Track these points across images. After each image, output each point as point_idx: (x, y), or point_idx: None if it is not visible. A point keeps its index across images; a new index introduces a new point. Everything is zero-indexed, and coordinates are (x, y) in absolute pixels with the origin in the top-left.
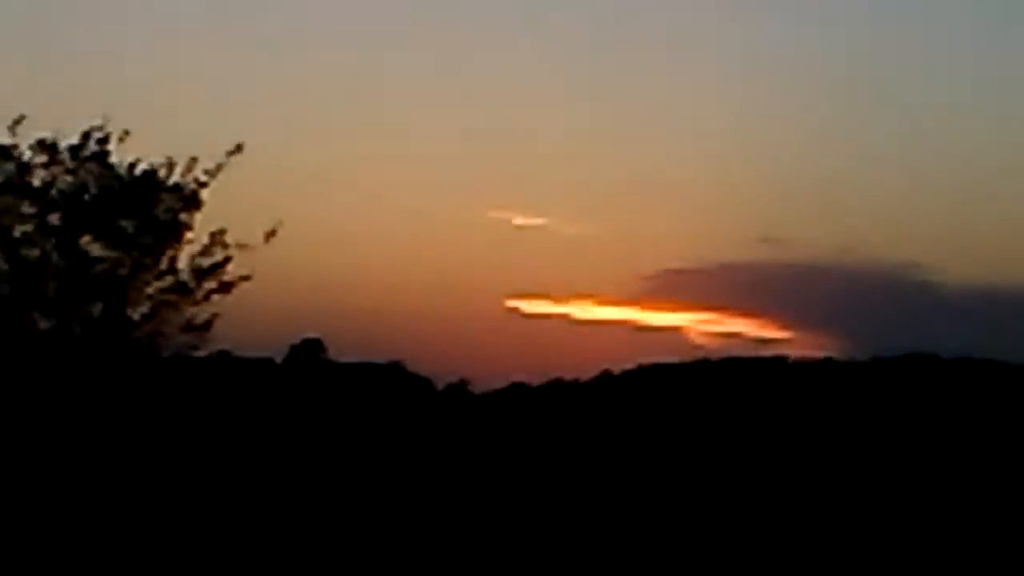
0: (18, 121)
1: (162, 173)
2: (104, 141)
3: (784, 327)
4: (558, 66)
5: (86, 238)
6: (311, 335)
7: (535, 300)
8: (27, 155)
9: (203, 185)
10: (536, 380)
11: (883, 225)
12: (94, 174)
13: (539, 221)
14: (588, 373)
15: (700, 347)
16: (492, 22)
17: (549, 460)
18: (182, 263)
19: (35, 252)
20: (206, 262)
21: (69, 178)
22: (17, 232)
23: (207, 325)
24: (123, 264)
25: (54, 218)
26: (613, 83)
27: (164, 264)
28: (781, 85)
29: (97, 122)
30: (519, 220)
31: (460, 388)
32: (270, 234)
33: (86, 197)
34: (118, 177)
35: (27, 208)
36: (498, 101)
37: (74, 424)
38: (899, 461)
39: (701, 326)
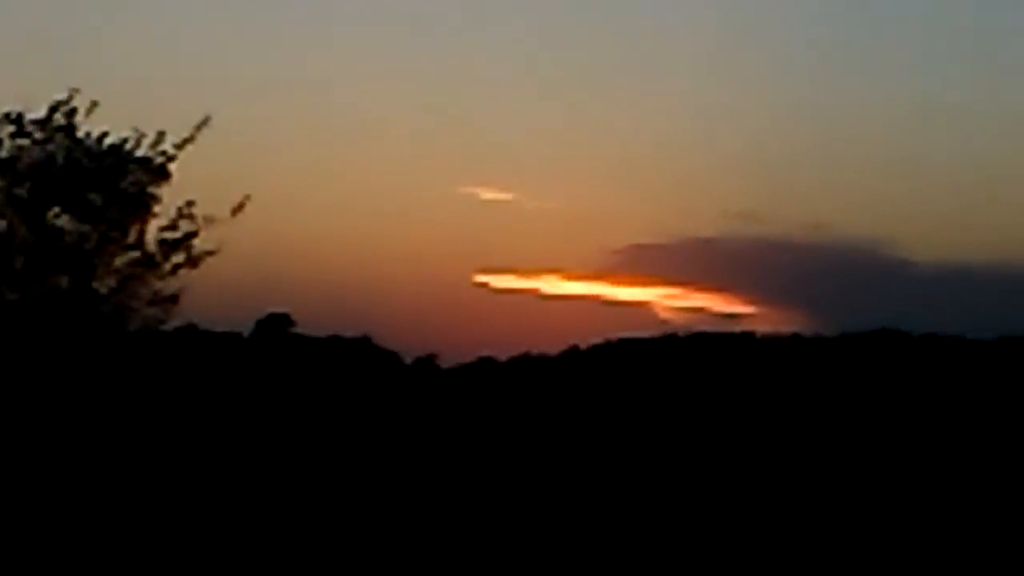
0: None
1: (130, 146)
2: (72, 114)
3: (752, 302)
4: (525, 42)
5: (53, 211)
6: (279, 310)
7: (503, 275)
8: None
9: (171, 159)
10: (504, 355)
11: (853, 202)
12: (61, 146)
13: (507, 196)
14: (556, 348)
15: (667, 322)
16: (467, 4)
17: (517, 434)
18: (150, 236)
19: (2, 224)
20: (173, 235)
21: (37, 150)
22: None
23: (174, 298)
24: (90, 237)
25: (21, 191)
26: (582, 59)
27: (132, 237)
28: (753, 62)
29: (64, 95)
30: (487, 195)
31: (428, 362)
32: (237, 208)
33: (53, 170)
34: (86, 150)
35: None
36: (465, 78)
37: (42, 397)
38: (866, 436)
39: (668, 301)
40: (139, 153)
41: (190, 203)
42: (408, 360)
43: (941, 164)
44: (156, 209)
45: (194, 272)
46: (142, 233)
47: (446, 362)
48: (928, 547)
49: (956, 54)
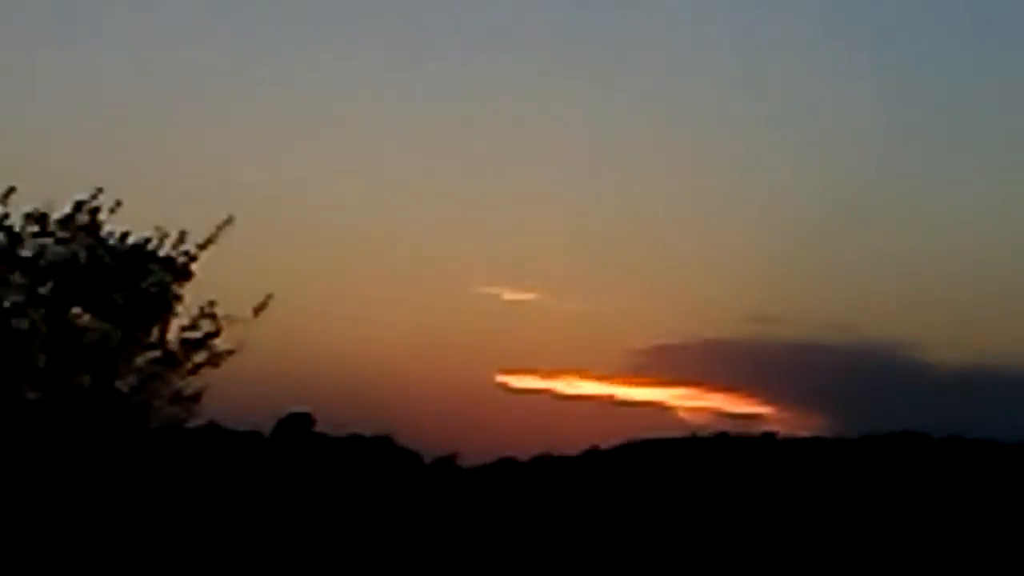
0: (9, 192)
1: (153, 245)
2: (95, 212)
3: (773, 404)
4: (550, 141)
5: (76, 309)
6: (300, 409)
7: (524, 375)
8: (18, 225)
9: (193, 258)
10: (524, 455)
11: (876, 304)
12: (84, 245)
13: (529, 296)
14: (576, 448)
15: (688, 423)
16: (483, 97)
17: (537, 535)
18: (171, 335)
19: (24, 323)
20: (195, 335)
21: (60, 249)
22: (7, 302)
23: (196, 397)
24: (112, 336)
25: (44, 289)
26: (605, 159)
27: (153, 336)
28: (773, 164)
29: (88, 193)
30: (509, 295)
31: (448, 462)
32: (259, 308)
33: (76, 268)
34: (109, 249)
35: (17, 278)
36: (489, 176)
37: (63, 494)
38: (888, 539)
39: (689, 402)
40: (161, 252)
41: (212, 303)
42: (429, 460)
43: (965, 267)
44: (178, 309)
45: (216, 371)
46: (164, 332)
47: (467, 462)
48: None
49: (980, 158)
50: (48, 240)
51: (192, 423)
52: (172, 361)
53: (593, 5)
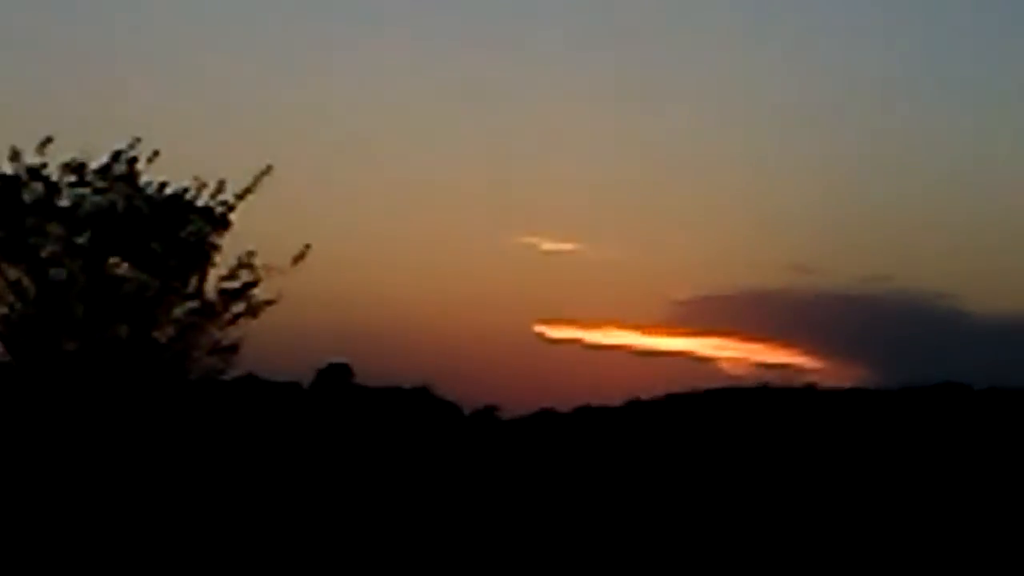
0: (46, 141)
1: (191, 195)
2: (133, 162)
3: (814, 356)
4: (589, 92)
5: (113, 259)
6: (338, 359)
7: (564, 326)
8: (55, 175)
9: (232, 208)
10: (563, 406)
11: (915, 254)
12: (122, 195)
13: (568, 246)
14: (616, 400)
15: (729, 375)
16: (522, 49)
17: (579, 487)
18: (210, 286)
19: (62, 273)
20: (233, 285)
21: (97, 199)
22: (44, 253)
23: (234, 348)
24: (150, 286)
25: (81, 239)
26: (644, 108)
27: (192, 287)
28: (814, 115)
29: (126, 143)
30: (547, 245)
31: (488, 413)
32: (298, 257)
33: (114, 218)
34: (147, 198)
35: (55, 228)
36: (527, 125)
37: (102, 446)
38: (929, 491)
39: (730, 353)
40: (200, 202)
41: (251, 253)
42: (468, 411)
43: (1004, 216)
44: (216, 259)
45: (254, 322)
46: (202, 283)
47: (506, 413)
48: None
49: (1021, 109)
50: (86, 190)
51: (230, 374)
52: (210, 311)
53: None
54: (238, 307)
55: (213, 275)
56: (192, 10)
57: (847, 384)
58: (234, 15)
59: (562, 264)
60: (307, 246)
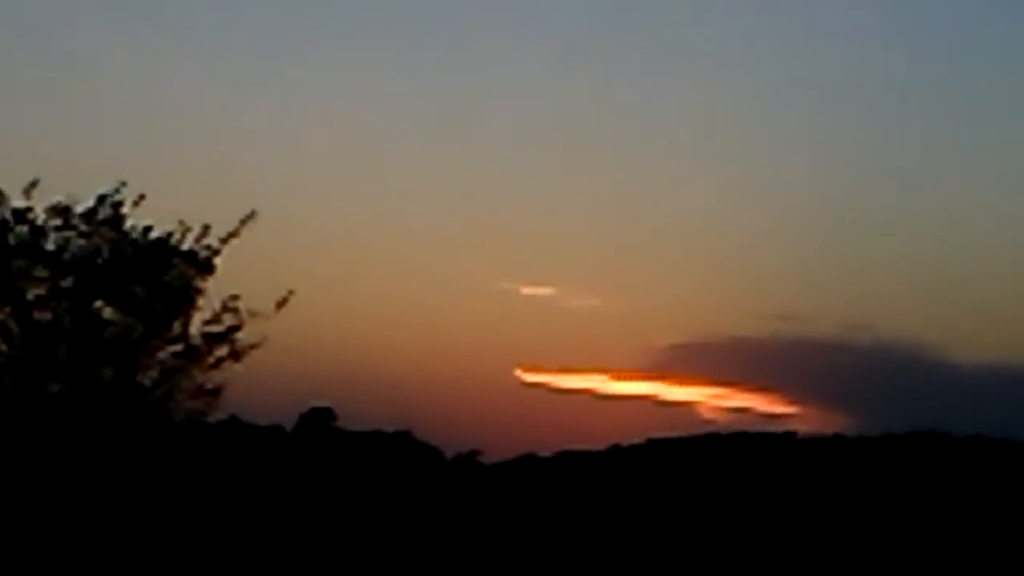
0: (32, 185)
1: (175, 239)
2: (118, 206)
3: (795, 402)
4: (567, 136)
5: (98, 302)
6: (321, 403)
7: (544, 372)
8: (41, 218)
9: (216, 252)
10: (544, 451)
11: (897, 303)
12: (107, 239)
13: (547, 291)
14: (597, 445)
15: (710, 421)
16: (499, 91)
17: (559, 532)
18: (194, 329)
19: (47, 315)
20: (217, 329)
21: (83, 242)
22: (30, 295)
23: (218, 391)
24: (135, 329)
25: (66, 282)
26: (625, 154)
27: (176, 330)
28: (796, 162)
29: (111, 187)
30: (527, 290)
31: (470, 458)
32: (281, 303)
33: (99, 261)
34: (132, 242)
35: (40, 271)
36: (507, 171)
37: (85, 487)
38: (908, 539)
39: (711, 400)
40: (184, 246)
41: (234, 297)
42: (448, 454)
43: (987, 267)
44: (200, 302)
45: (237, 365)
46: (186, 326)
47: (488, 458)
48: None
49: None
50: (71, 233)
51: (214, 417)
52: (194, 355)
53: (617, 2)
54: (222, 351)
55: (197, 319)
56: (179, 54)
57: (828, 431)
58: (220, 60)
59: (541, 309)
60: (290, 291)
